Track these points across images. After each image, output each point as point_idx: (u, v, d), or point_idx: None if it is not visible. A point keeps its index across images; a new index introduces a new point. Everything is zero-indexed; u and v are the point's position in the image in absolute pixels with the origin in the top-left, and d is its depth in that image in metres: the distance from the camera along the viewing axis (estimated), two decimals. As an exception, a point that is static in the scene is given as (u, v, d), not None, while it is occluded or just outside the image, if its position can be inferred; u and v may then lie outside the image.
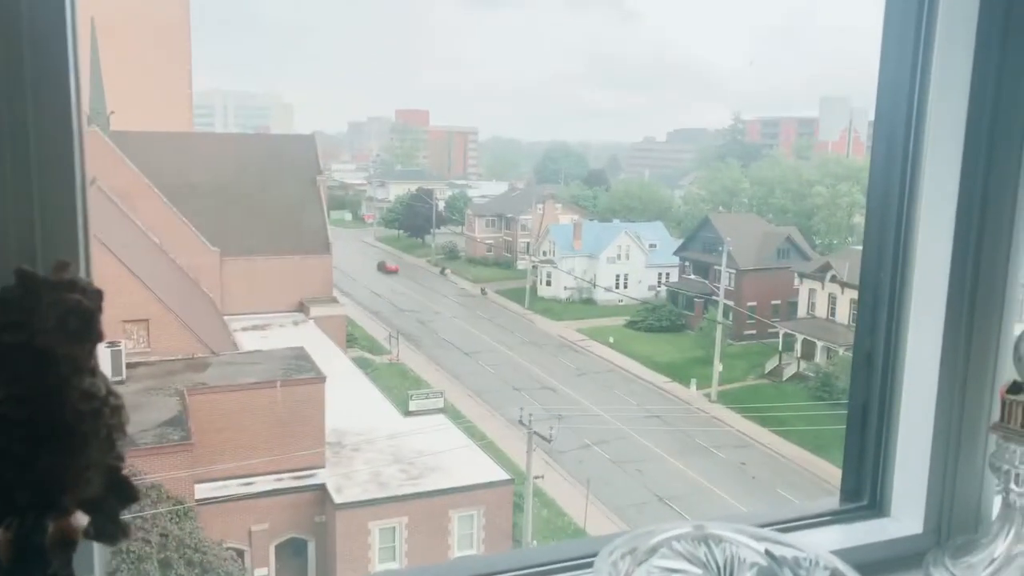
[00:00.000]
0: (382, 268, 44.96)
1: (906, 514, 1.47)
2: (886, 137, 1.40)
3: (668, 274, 41.42)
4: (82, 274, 0.85)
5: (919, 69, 1.34)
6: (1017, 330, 1.42)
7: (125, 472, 0.68)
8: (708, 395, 29.61)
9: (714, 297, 34.88)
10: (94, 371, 0.63)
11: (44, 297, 0.61)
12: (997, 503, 1.34)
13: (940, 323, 1.40)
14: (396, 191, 59.12)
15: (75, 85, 0.84)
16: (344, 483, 17.15)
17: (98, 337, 0.63)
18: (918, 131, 1.36)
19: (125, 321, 18.14)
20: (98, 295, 0.63)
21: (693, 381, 30.07)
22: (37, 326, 0.60)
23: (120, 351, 16.29)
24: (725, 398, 29.45)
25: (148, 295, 18.95)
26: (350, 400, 19.56)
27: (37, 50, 0.76)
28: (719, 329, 31.17)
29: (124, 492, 0.68)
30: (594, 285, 41.85)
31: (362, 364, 27.52)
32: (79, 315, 0.60)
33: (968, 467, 1.44)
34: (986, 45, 1.27)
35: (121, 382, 15.67)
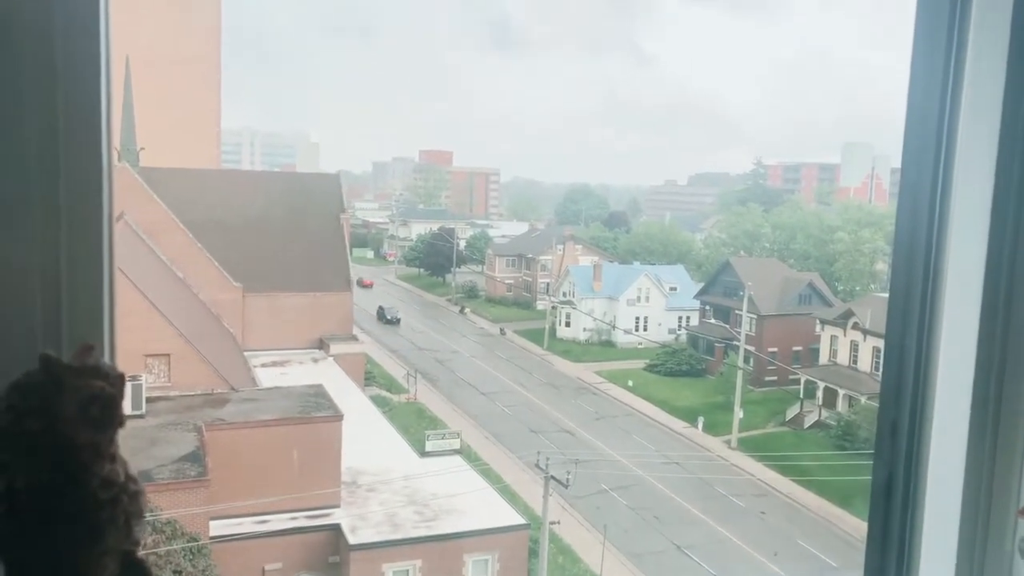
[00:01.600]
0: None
1: (934, 598, 1.42)
2: (912, 187, 1.37)
3: (688, 318, 41.18)
4: (106, 335, 0.85)
5: (946, 116, 1.31)
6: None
7: (140, 556, 0.67)
8: (728, 442, 29.23)
9: (735, 342, 34.58)
10: (114, 457, 0.63)
11: (67, 383, 0.61)
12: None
13: (968, 394, 1.36)
14: (418, 230, 59.52)
15: (106, 151, 0.84)
16: (359, 523, 17.02)
17: (119, 423, 0.62)
18: (945, 181, 1.33)
19: (147, 355, 18.25)
20: (120, 380, 0.63)
21: (700, 420, 29.62)
22: (59, 413, 0.60)
23: (141, 385, 16.37)
24: (745, 445, 29.03)
25: (170, 330, 19.09)
26: (367, 439, 19.47)
27: (71, 93, 0.76)
28: (739, 375, 30.85)
29: (139, 574, 0.68)
30: (613, 327, 41.68)
31: (380, 402, 27.45)
32: (101, 402, 0.60)
33: (997, 551, 1.39)
34: (1016, 91, 1.25)
35: (141, 416, 15.73)
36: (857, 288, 43.21)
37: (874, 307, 31.20)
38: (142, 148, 26.45)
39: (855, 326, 32.03)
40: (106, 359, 0.79)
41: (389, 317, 44.57)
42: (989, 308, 1.33)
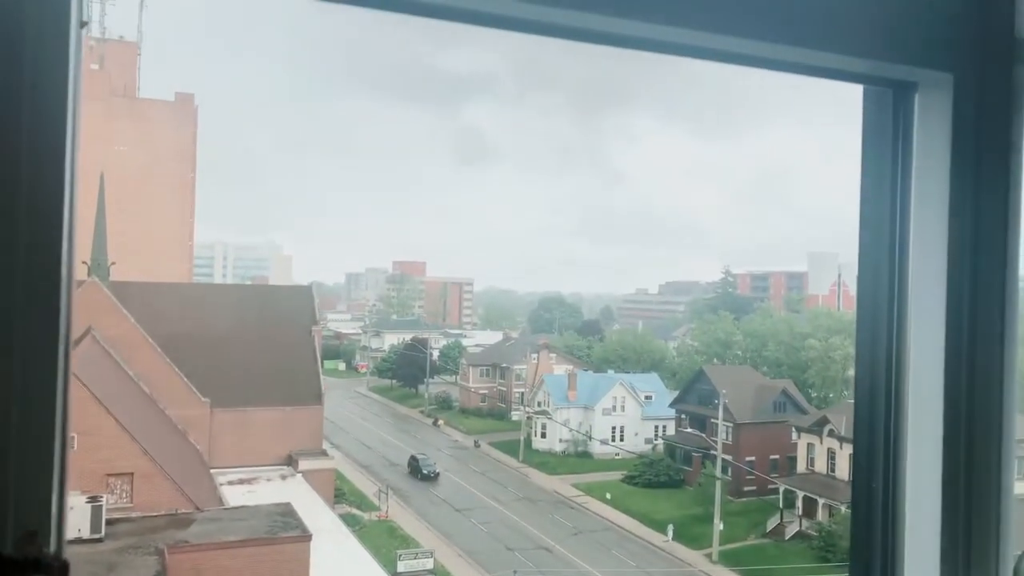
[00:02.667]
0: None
1: None
2: (870, 298, 1.43)
3: (665, 427, 40.83)
4: (54, 507, 0.74)
5: (898, 227, 1.38)
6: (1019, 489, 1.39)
7: None
8: (709, 555, 28.53)
9: (712, 451, 34.24)
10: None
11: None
12: None
13: (937, 495, 1.38)
14: (391, 340, 59.15)
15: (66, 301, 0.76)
16: (326, 651, 16.17)
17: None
18: (901, 291, 1.38)
19: (109, 475, 17.66)
20: (64, 569, 0.58)
21: (671, 528, 28.83)
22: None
23: (101, 507, 15.77)
24: (727, 558, 28.34)
25: (135, 447, 18.55)
26: (336, 559, 18.77)
27: (32, 208, 0.70)
28: (718, 485, 30.41)
29: None
30: (590, 438, 41.15)
31: (350, 521, 26.59)
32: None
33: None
34: (960, 202, 1.32)
35: (100, 540, 15.08)
36: (831, 395, 43.34)
37: (848, 414, 31.17)
38: (113, 263, 26.40)
39: (831, 433, 31.94)
40: (54, 535, 0.70)
41: (426, 471, 36.29)
42: (951, 412, 1.37)
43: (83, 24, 0.65)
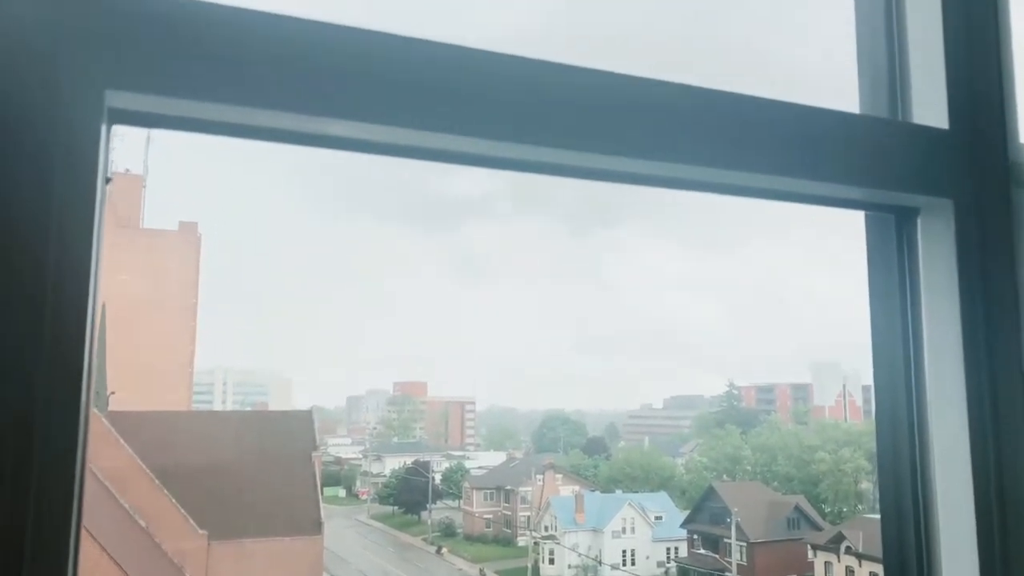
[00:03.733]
0: None
1: None
2: (889, 408, 1.40)
3: (676, 548, 39.18)
4: None
5: (911, 345, 1.36)
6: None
7: None
8: None
9: (726, 573, 33.00)
10: None
11: None
12: None
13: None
14: (392, 464, 57.74)
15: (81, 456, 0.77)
16: None
17: None
18: (919, 397, 1.36)
19: (95, 619, 16.86)
20: None
21: None
22: None
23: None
24: None
25: (127, 586, 17.83)
26: None
27: (57, 364, 0.73)
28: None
29: None
30: (600, 563, 39.64)
31: None
32: None
33: None
34: (971, 315, 1.31)
35: None
36: (844, 509, 41.99)
37: (865, 529, 30.09)
38: (112, 392, 26.18)
39: (848, 550, 30.64)
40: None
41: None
42: (984, 525, 1.32)
43: (107, 180, 0.71)
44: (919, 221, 1.36)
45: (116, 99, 0.73)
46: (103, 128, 0.72)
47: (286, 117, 0.82)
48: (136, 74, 0.71)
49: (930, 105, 1.39)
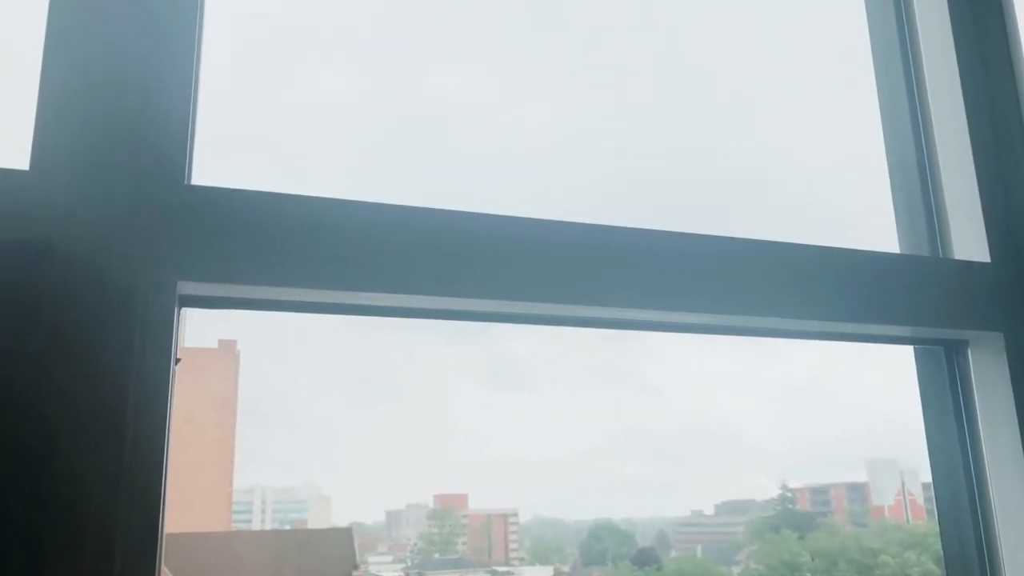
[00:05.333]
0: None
1: None
2: (950, 508, 1.35)
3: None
4: None
5: (973, 472, 1.34)
6: None
7: None
8: None
9: None
10: None
11: None
12: None
13: None
14: (435, 582, 56.22)
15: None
16: None
17: None
18: (983, 499, 1.31)
19: None
20: None
21: None
22: None
23: None
24: None
25: None
26: None
27: (132, 527, 0.76)
28: None
29: None
30: None
31: None
32: None
33: None
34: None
35: None
36: (915, 617, 39.85)
37: (940, 638, 28.38)
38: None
39: (924, 662, 28.88)
40: None
41: None
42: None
43: (176, 360, 0.79)
44: (969, 352, 1.36)
45: (186, 287, 0.81)
46: (175, 313, 0.80)
47: (344, 295, 0.89)
48: (202, 266, 0.80)
49: (970, 240, 1.40)
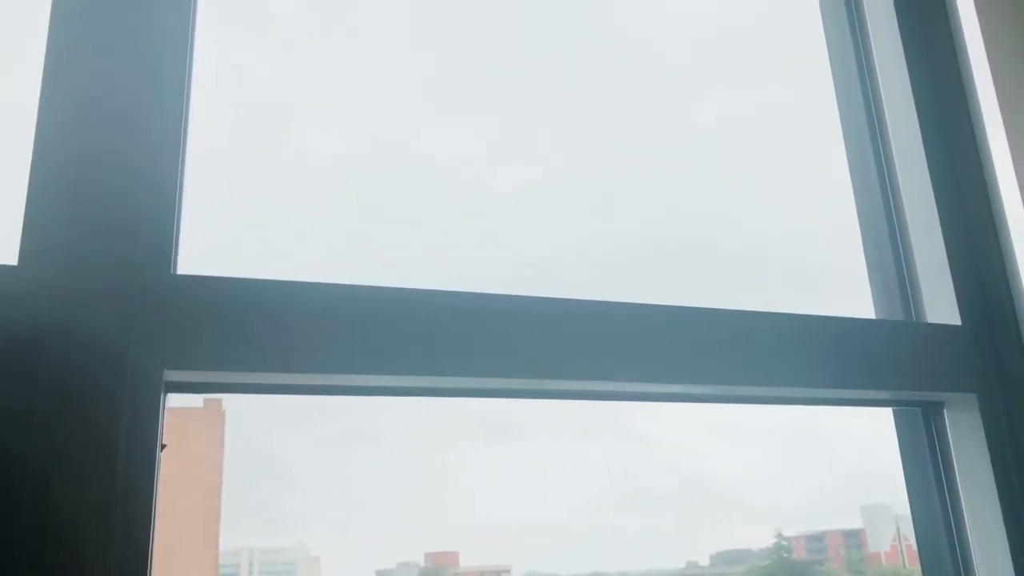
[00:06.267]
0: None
1: None
2: (933, 559, 1.36)
3: None
4: None
5: (951, 512, 1.35)
6: None
7: None
8: None
9: None
10: None
11: None
12: None
13: None
14: (426, 644, 54.81)
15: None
16: None
17: None
18: (964, 550, 1.33)
19: None
20: None
21: None
22: None
23: None
24: None
25: None
26: None
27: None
28: None
29: None
30: None
31: None
32: None
33: None
34: (1006, 481, 1.29)
35: None
36: (918, 667, 39.16)
37: None
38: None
39: None
40: None
41: None
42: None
43: (162, 447, 0.81)
44: (945, 413, 1.38)
45: (172, 375, 0.83)
46: (161, 399, 0.82)
47: (329, 377, 0.91)
48: (189, 354, 0.82)
49: (941, 303, 1.44)
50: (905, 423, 1.39)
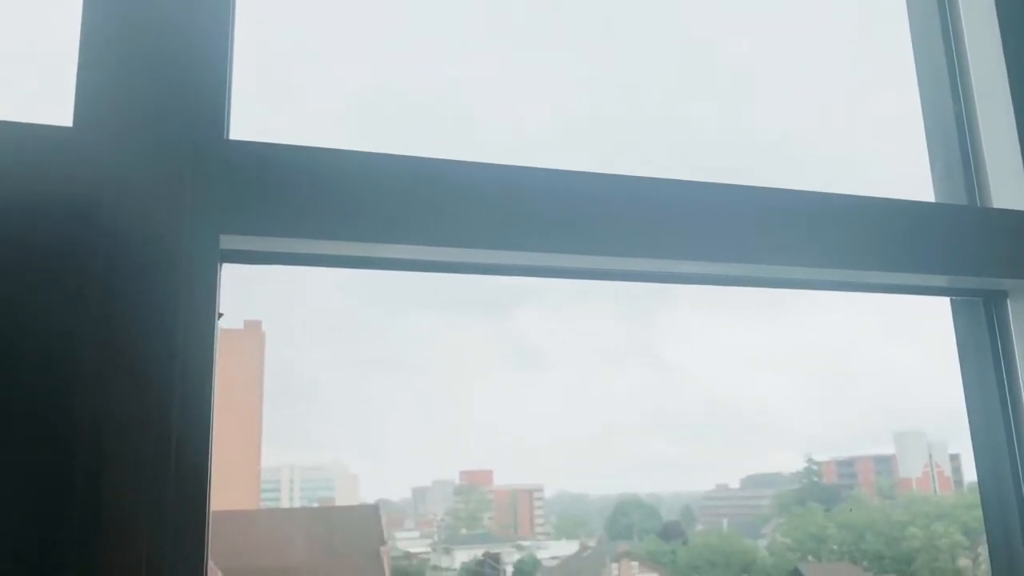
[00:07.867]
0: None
1: None
2: (990, 466, 1.34)
3: (764, 637, 37.44)
4: None
5: (1011, 411, 1.32)
6: None
7: None
8: None
9: (820, 662, 31.03)
10: None
11: None
12: None
13: None
14: (461, 557, 56.54)
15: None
16: None
17: None
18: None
19: None
20: None
21: None
22: None
23: None
24: None
25: None
26: None
27: (181, 497, 0.77)
28: None
29: None
30: (683, 654, 37.74)
31: None
32: None
33: None
34: None
35: None
36: (944, 588, 39.68)
37: (969, 610, 28.23)
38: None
39: (953, 634, 28.76)
40: None
41: None
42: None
43: (219, 315, 0.80)
44: (1008, 303, 1.33)
45: (228, 242, 0.82)
46: (217, 268, 0.82)
47: (381, 247, 0.89)
48: (245, 220, 0.81)
49: (1008, 187, 1.37)
50: (964, 315, 1.35)
